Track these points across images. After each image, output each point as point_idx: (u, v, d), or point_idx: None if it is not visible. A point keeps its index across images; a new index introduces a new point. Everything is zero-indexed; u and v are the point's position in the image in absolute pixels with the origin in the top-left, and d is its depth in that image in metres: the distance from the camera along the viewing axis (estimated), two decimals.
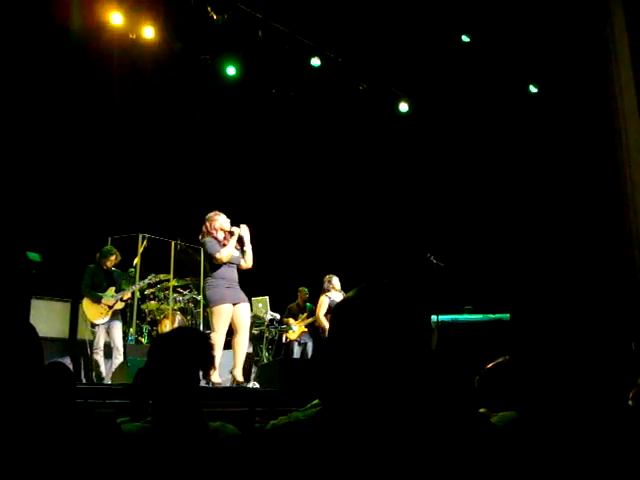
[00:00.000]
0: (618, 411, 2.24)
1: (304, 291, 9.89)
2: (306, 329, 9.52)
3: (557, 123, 9.55)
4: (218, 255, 6.54)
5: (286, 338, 9.39)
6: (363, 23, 8.79)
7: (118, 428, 1.93)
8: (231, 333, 6.72)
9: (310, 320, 9.42)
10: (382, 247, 11.14)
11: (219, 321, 6.49)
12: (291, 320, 9.56)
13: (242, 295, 6.74)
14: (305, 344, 9.55)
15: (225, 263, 6.60)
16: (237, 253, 6.76)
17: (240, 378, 6.62)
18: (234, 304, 6.62)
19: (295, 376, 6.65)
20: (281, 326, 9.38)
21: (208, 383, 6.20)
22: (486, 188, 10.67)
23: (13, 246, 6.54)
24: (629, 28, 6.90)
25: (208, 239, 6.64)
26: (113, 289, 7.61)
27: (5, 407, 1.71)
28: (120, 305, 7.66)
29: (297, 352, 9.46)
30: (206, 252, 6.78)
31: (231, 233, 6.69)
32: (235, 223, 6.83)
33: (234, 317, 6.62)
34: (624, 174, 7.11)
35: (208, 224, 6.70)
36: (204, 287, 6.85)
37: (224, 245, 6.61)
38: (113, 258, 7.73)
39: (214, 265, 6.63)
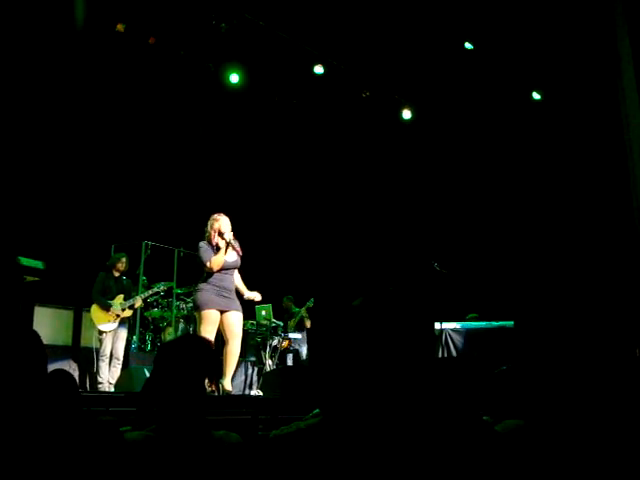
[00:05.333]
0: (623, 419, 2.23)
1: (290, 299, 10.20)
2: (300, 336, 9.63)
3: (561, 130, 9.54)
4: (209, 264, 6.40)
5: (280, 346, 9.48)
6: (366, 31, 8.81)
7: (121, 436, 1.92)
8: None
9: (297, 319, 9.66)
10: (386, 255, 11.13)
11: (204, 327, 6.32)
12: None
13: (234, 304, 6.55)
14: (297, 350, 9.62)
15: (218, 270, 6.46)
16: (233, 259, 6.57)
17: (229, 387, 6.50)
18: (222, 312, 6.44)
19: (298, 384, 6.61)
20: (278, 334, 9.43)
21: (214, 391, 6.18)
22: (490, 195, 10.67)
23: (4, 252, 6.56)
24: (632, 33, 6.90)
25: (203, 244, 6.51)
26: (122, 297, 7.71)
27: (9, 413, 1.71)
28: (128, 313, 7.78)
29: (290, 359, 9.52)
30: (199, 257, 6.58)
31: (222, 237, 6.50)
32: (239, 230, 6.78)
33: (224, 326, 6.45)
34: (631, 183, 7.08)
35: (209, 225, 6.57)
36: (194, 291, 6.75)
37: (218, 250, 6.46)
38: (124, 260, 7.87)
39: (208, 271, 6.49)
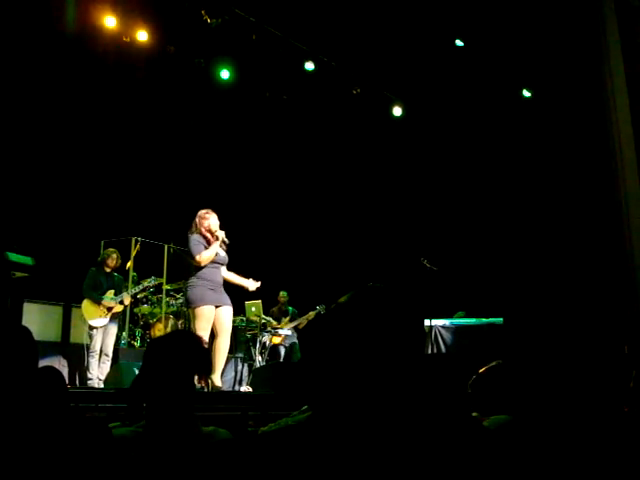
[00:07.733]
0: (611, 415, 2.25)
1: (284, 295, 9.97)
2: (290, 332, 9.57)
3: (550, 127, 9.57)
4: (198, 257, 6.35)
5: (270, 342, 9.39)
6: (357, 27, 8.80)
7: (109, 432, 1.92)
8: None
9: (299, 323, 9.49)
10: (376, 251, 11.14)
11: (200, 323, 6.27)
12: (274, 323, 9.59)
13: (225, 298, 6.55)
14: (292, 346, 9.57)
15: (208, 264, 6.43)
16: (223, 254, 6.58)
17: (218, 383, 6.46)
18: (216, 306, 6.42)
19: (288, 380, 6.61)
20: (268, 330, 9.38)
21: (204, 387, 6.18)
22: (479, 192, 10.69)
23: None
24: (622, 33, 6.93)
25: (195, 237, 6.45)
26: (112, 292, 7.71)
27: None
28: (119, 308, 7.79)
29: (283, 355, 9.49)
30: (188, 249, 6.54)
31: (216, 237, 6.50)
32: (228, 225, 6.78)
33: (216, 321, 6.41)
34: (618, 180, 7.12)
35: (198, 221, 6.53)
36: (185, 288, 6.64)
37: (207, 247, 6.44)
38: (115, 256, 7.88)
39: (196, 265, 6.45)
